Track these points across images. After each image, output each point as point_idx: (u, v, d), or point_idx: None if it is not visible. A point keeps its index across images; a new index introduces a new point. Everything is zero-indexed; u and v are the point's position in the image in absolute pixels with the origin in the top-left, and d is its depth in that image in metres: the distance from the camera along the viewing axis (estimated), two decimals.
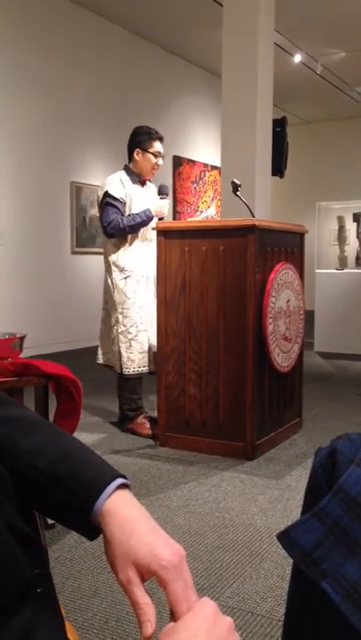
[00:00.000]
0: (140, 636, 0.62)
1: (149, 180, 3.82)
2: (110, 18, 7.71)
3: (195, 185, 9.87)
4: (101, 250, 3.88)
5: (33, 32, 6.72)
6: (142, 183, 3.78)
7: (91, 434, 3.71)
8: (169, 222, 3.62)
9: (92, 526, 0.70)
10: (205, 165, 10.12)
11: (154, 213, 3.60)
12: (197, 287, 3.32)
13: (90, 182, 7.41)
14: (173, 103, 9.25)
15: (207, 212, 4.11)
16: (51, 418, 2.42)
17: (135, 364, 3.64)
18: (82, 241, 7.48)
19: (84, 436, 3.61)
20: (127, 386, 3.74)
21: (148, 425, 3.70)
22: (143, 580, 0.65)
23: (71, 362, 4.20)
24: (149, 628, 0.61)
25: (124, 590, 0.65)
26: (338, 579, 0.70)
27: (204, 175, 10.12)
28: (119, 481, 0.71)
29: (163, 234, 3.39)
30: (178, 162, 9.41)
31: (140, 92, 8.38)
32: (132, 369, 3.64)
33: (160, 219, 3.64)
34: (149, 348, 3.68)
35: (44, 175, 6.92)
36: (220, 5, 5.58)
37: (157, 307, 3.45)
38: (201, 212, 9.84)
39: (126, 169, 3.75)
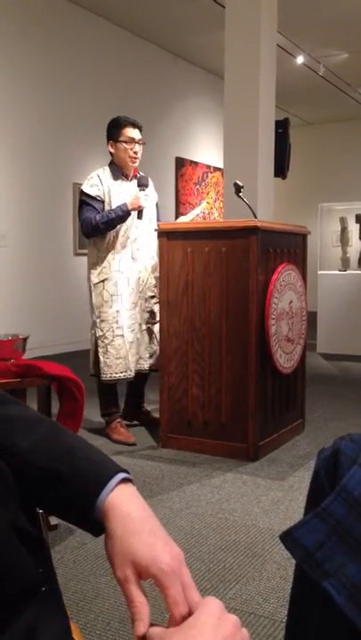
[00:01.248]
0: (134, 634, 0.62)
1: (140, 177, 3.58)
2: (111, 19, 7.72)
3: (197, 186, 9.87)
4: None
5: (34, 33, 6.72)
6: (128, 177, 3.61)
7: (92, 434, 3.72)
8: (172, 223, 3.60)
9: (95, 522, 0.70)
10: (208, 167, 10.12)
11: (130, 207, 3.42)
12: (200, 288, 3.32)
13: None
14: (175, 104, 9.25)
15: (197, 208, 3.94)
16: (53, 419, 2.42)
17: (112, 369, 3.53)
18: (84, 242, 7.47)
19: (86, 437, 3.60)
20: (103, 391, 3.66)
21: (121, 430, 3.60)
22: (141, 578, 0.65)
23: (73, 363, 4.20)
24: (142, 627, 0.62)
25: (120, 587, 0.65)
26: (340, 579, 0.70)
27: (207, 177, 10.12)
28: (121, 475, 0.71)
29: (165, 235, 3.39)
30: (180, 163, 9.42)
31: (142, 94, 8.38)
32: (108, 375, 3.54)
33: (140, 212, 3.46)
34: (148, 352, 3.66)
35: (45, 176, 6.92)
36: (222, 7, 5.58)
37: (160, 308, 3.45)
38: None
39: (110, 165, 3.63)
